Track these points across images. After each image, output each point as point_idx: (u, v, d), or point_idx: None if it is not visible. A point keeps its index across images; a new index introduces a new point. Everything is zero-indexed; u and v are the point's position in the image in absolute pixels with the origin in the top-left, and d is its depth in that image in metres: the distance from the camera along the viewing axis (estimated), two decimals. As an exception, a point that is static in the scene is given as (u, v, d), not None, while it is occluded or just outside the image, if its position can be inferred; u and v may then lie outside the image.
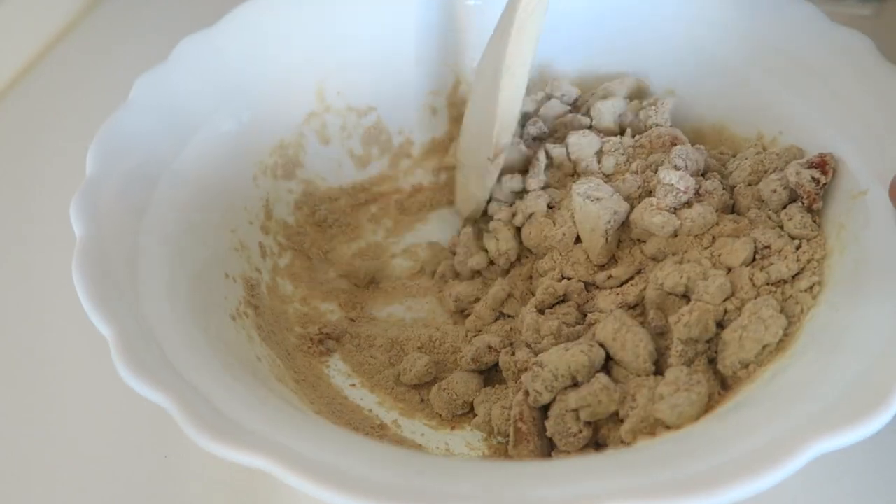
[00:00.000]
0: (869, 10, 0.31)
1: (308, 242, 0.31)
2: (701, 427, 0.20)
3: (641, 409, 0.21)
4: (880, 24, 0.31)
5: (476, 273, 0.30)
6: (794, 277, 0.24)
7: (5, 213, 0.34)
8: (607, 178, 0.29)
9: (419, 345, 0.28)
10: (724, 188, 0.27)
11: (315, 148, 0.33)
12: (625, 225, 0.27)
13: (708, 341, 0.23)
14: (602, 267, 0.27)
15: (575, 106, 0.33)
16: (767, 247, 0.24)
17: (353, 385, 0.27)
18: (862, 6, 0.31)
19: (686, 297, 0.24)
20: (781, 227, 0.25)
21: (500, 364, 0.26)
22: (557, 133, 0.32)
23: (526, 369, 0.24)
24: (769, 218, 0.25)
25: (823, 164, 0.25)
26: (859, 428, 0.17)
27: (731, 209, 0.27)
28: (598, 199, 0.26)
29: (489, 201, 0.32)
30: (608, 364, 0.24)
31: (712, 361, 0.23)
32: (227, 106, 0.29)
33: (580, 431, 0.22)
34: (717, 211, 0.26)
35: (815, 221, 0.25)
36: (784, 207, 0.25)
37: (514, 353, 0.26)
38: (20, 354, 0.28)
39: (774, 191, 0.25)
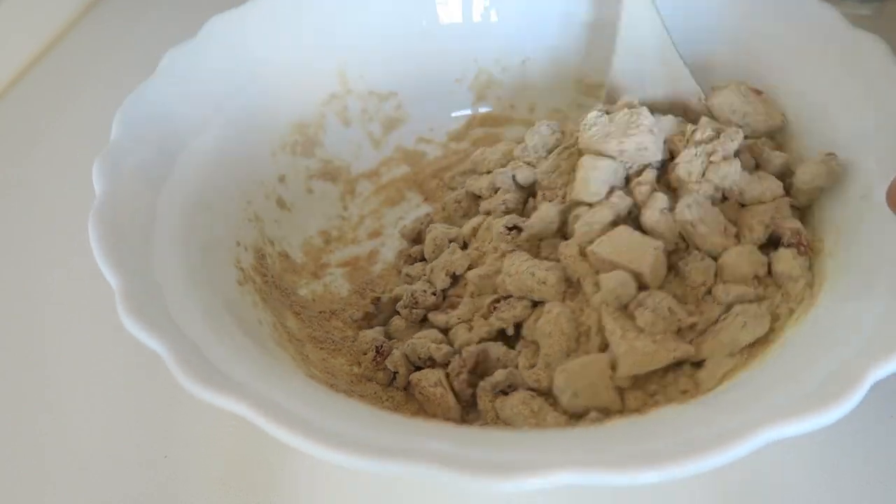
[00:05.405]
0: (869, 10, 0.30)
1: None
2: (671, 412, 0.21)
3: None
4: (880, 24, 0.30)
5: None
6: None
7: (3, 214, 0.34)
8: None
9: None
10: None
11: (335, 129, 0.34)
12: None
13: None
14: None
15: None
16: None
17: None
18: (862, 6, 0.30)
19: None
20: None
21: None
22: None
23: None
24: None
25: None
26: (811, 418, 0.17)
27: None
28: None
29: None
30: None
31: None
32: (251, 83, 0.30)
33: None
34: None
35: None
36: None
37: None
38: (20, 354, 0.28)
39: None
